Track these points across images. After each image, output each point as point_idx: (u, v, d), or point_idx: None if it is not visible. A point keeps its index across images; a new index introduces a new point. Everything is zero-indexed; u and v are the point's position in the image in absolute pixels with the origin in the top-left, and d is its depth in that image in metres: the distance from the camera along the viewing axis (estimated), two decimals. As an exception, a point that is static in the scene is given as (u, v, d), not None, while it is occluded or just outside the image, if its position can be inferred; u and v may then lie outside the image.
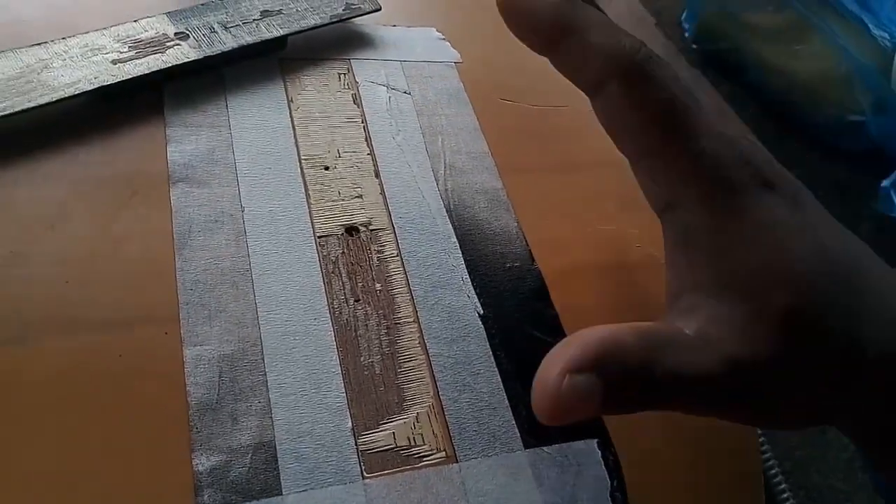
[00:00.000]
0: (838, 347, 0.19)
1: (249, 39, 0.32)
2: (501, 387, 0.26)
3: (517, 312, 0.29)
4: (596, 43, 0.21)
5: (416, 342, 0.27)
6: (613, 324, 0.19)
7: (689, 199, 0.20)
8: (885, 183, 0.64)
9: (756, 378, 0.19)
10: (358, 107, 0.34)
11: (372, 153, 0.32)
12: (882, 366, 0.20)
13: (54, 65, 0.29)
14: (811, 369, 0.19)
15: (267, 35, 0.33)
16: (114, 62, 0.30)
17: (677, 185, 0.20)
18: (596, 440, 0.26)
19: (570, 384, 0.17)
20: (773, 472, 0.42)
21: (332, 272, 0.28)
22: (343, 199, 0.30)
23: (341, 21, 0.35)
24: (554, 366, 0.17)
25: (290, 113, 0.32)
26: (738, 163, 0.20)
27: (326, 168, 0.31)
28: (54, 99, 0.28)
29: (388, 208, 0.30)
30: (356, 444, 0.24)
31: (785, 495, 0.41)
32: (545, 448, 0.25)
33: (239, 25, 0.33)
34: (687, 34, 0.79)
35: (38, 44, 0.30)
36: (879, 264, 0.22)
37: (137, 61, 0.30)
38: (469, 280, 0.29)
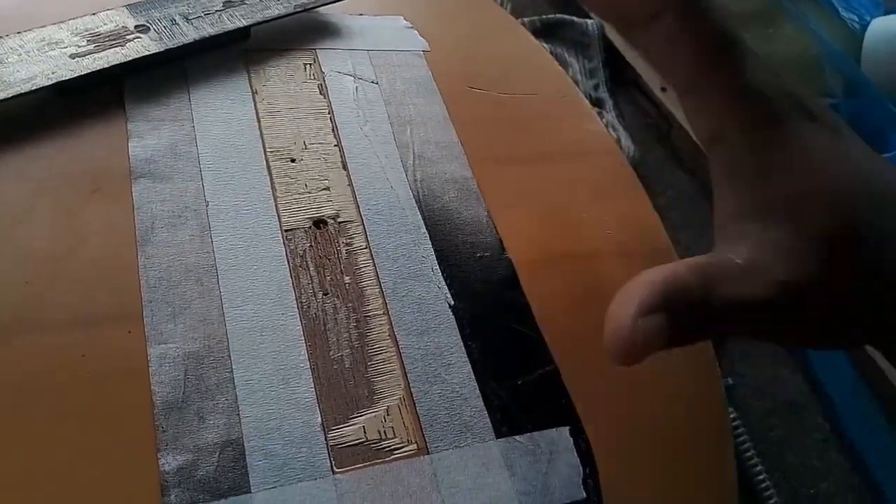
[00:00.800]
0: (880, 267, 0.20)
1: (212, 31, 0.32)
2: (473, 377, 0.26)
3: (488, 302, 0.29)
4: None
5: (387, 335, 0.27)
6: (669, 264, 0.20)
7: (735, 130, 0.21)
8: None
9: (806, 298, 0.20)
10: (324, 97, 0.33)
11: (339, 144, 0.32)
12: None
13: (9, 60, 0.28)
14: (856, 286, 0.20)
15: (230, 26, 0.32)
16: (72, 56, 0.29)
17: (723, 117, 0.21)
18: (568, 428, 0.26)
19: (644, 326, 0.18)
20: (749, 454, 0.42)
21: (300, 266, 0.27)
22: (310, 192, 0.30)
23: (306, 10, 0.34)
24: (626, 309, 0.19)
25: (255, 105, 0.32)
26: (781, 95, 0.21)
27: (293, 160, 0.31)
28: (10, 95, 0.27)
29: (356, 200, 0.30)
30: (326, 439, 0.24)
31: (761, 477, 0.42)
32: (517, 437, 0.25)
33: (201, 17, 0.32)
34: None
35: (-8, 38, 0.29)
36: None
37: (96, 55, 0.30)
38: (439, 271, 0.29)
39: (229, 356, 0.25)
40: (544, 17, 0.62)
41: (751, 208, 0.21)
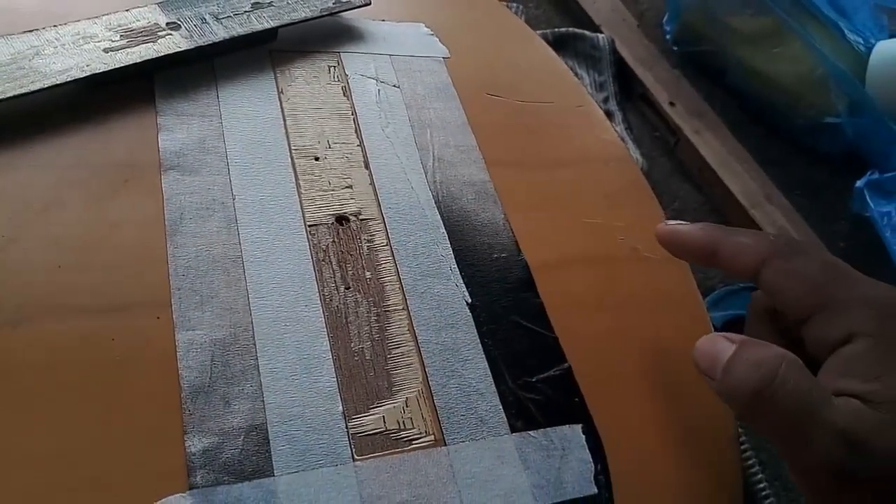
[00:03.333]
0: None
1: (240, 31, 0.33)
2: (489, 373, 0.27)
3: (504, 301, 0.29)
4: (746, 241, 0.26)
5: (406, 329, 0.27)
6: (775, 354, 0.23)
7: (864, 329, 0.24)
8: (859, 183, 0.66)
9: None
10: (348, 99, 0.34)
11: (362, 144, 0.33)
12: None
13: (46, 52, 0.29)
14: None
15: (258, 26, 0.33)
16: (105, 50, 0.30)
17: (852, 323, 0.24)
18: (580, 425, 0.27)
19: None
20: (750, 462, 0.43)
21: (323, 260, 0.28)
22: (333, 189, 0.31)
23: (331, 14, 0.35)
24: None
25: (281, 104, 0.33)
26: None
27: (316, 158, 0.31)
28: (46, 86, 0.28)
29: (377, 199, 0.31)
30: (347, 428, 0.24)
31: (761, 486, 0.42)
32: (531, 432, 0.26)
33: (230, 17, 0.33)
34: (668, 36, 0.81)
35: (30, 31, 0.30)
36: None
37: (129, 50, 0.31)
38: (457, 269, 0.30)
39: (254, 344, 0.25)
40: (556, 30, 0.63)
41: (870, 390, 0.23)
